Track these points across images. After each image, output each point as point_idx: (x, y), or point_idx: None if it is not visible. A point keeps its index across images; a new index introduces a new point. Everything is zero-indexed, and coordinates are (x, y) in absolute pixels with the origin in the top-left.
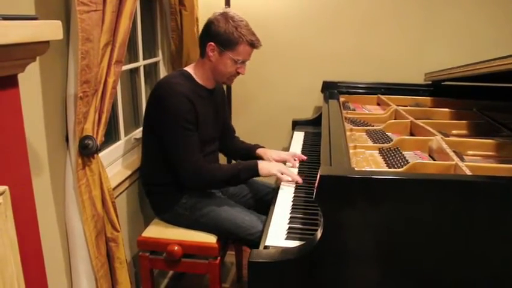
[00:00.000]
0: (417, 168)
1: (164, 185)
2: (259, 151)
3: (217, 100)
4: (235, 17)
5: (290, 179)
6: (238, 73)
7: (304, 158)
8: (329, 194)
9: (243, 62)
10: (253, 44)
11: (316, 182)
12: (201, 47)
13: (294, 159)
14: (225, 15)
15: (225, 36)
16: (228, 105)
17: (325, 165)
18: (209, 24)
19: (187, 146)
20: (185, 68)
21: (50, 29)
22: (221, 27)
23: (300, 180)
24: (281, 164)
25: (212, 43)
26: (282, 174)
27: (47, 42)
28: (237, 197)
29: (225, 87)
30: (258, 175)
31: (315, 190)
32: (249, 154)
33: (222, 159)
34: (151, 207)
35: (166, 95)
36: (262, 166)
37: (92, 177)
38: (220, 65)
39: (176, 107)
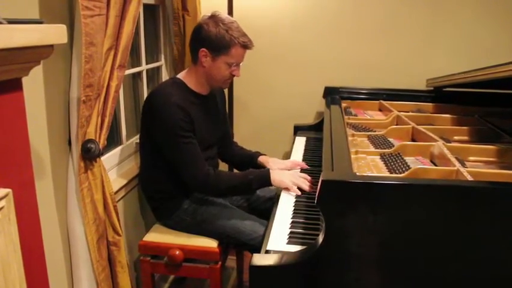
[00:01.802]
0: (418, 174)
1: (164, 192)
2: (261, 159)
3: (213, 105)
4: (225, 20)
5: (299, 193)
6: (233, 76)
7: (306, 166)
8: (331, 199)
9: (237, 65)
10: (246, 45)
11: (318, 186)
12: (193, 53)
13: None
14: (214, 19)
15: (216, 41)
16: (229, 110)
17: (327, 170)
18: (199, 29)
19: (190, 154)
20: (178, 76)
21: (55, 33)
22: (211, 31)
23: (307, 188)
24: (294, 173)
25: (204, 49)
26: (294, 183)
27: (52, 46)
28: (238, 202)
29: (225, 92)
30: (270, 185)
31: (316, 195)
32: (250, 162)
33: (223, 166)
34: (152, 213)
35: (159, 106)
36: (275, 177)
37: (94, 181)
38: (214, 70)
39: (170, 117)
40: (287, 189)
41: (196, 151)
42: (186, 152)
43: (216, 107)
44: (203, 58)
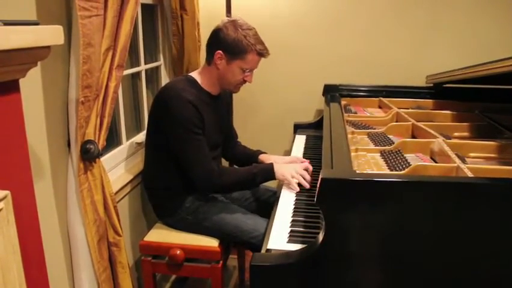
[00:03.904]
0: (418, 171)
1: (167, 189)
2: (262, 157)
3: (222, 107)
4: (244, 26)
5: (298, 189)
6: (245, 81)
7: (307, 162)
8: (330, 197)
9: (251, 71)
10: (262, 53)
11: (318, 184)
12: (208, 55)
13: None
14: (234, 23)
15: (233, 45)
16: None
17: (326, 168)
18: (217, 31)
19: (197, 150)
20: (191, 74)
21: (51, 34)
22: (230, 35)
23: (307, 185)
24: (296, 166)
25: (220, 51)
26: (294, 178)
27: (48, 47)
28: (239, 201)
29: None
30: (273, 179)
31: (316, 193)
32: (252, 160)
33: (224, 164)
34: (154, 212)
35: (171, 100)
36: (278, 171)
37: (94, 182)
38: (227, 73)
39: (182, 113)
40: (289, 186)
41: (203, 148)
42: (194, 147)
43: (224, 108)
44: (218, 60)
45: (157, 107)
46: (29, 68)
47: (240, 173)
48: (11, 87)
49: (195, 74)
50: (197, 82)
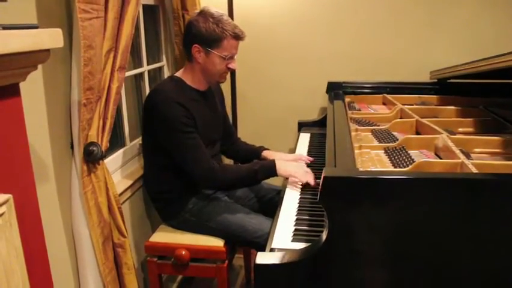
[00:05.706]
0: (423, 167)
1: (169, 192)
2: (265, 153)
3: (213, 101)
4: (214, 13)
5: (304, 181)
6: (229, 69)
7: (311, 159)
8: (333, 195)
9: (232, 57)
10: (237, 36)
11: (320, 183)
12: (187, 51)
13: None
14: (203, 14)
15: (207, 35)
16: (233, 107)
17: (329, 166)
18: (189, 26)
19: (193, 149)
20: (176, 74)
21: (51, 37)
22: (201, 26)
23: (312, 182)
24: (299, 165)
25: (196, 45)
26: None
27: (48, 50)
28: (243, 200)
29: (228, 89)
30: (275, 175)
31: (319, 191)
32: (255, 157)
33: (227, 162)
34: (158, 214)
35: (159, 104)
36: (280, 167)
37: (98, 184)
38: (209, 65)
39: (171, 114)
40: (292, 184)
41: (199, 146)
42: (190, 147)
43: (215, 103)
44: (196, 54)
45: (147, 111)
46: (29, 72)
47: (241, 170)
48: (11, 91)
49: (179, 74)
50: (183, 81)
